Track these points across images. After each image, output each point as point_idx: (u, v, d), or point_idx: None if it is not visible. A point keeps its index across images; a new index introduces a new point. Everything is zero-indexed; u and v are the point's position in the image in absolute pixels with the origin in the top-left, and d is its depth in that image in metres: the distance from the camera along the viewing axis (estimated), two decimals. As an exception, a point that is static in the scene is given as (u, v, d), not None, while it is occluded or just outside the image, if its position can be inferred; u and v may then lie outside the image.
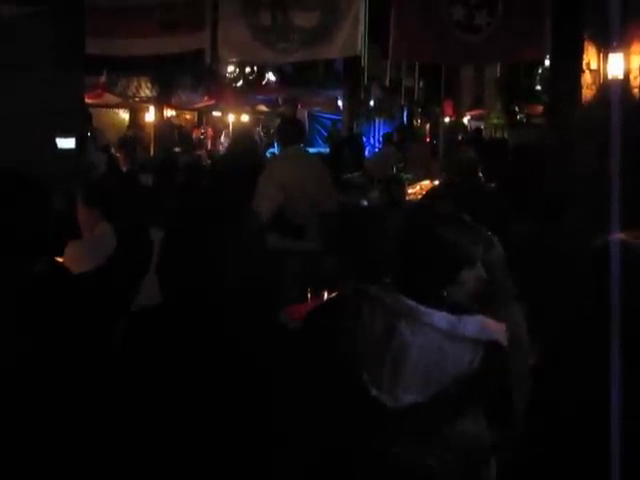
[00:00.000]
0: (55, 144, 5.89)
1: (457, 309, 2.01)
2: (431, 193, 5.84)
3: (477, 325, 2.00)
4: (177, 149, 14.67)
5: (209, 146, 17.21)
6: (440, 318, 1.98)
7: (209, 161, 12.80)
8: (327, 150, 12.67)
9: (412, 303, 1.97)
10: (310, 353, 2.04)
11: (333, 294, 3.15)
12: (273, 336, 1.94)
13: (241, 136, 11.36)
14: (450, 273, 2.05)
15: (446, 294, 2.04)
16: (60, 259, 3.52)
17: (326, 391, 1.99)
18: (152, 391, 1.82)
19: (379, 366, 1.96)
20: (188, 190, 5.96)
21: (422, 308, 1.97)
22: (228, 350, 1.82)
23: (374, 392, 1.95)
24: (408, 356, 1.95)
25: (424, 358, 1.95)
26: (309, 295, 3.61)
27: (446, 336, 1.96)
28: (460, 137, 14.83)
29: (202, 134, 18.55)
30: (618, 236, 2.04)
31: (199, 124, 19.83)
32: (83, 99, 7.33)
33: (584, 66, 5.93)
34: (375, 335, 1.98)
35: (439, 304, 2.00)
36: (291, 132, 5.72)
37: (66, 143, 6.01)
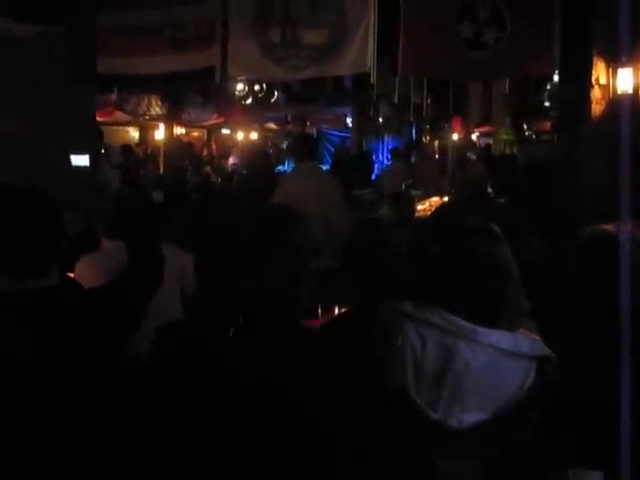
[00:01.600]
0: (70, 162, 5.92)
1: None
2: (441, 209, 5.85)
3: (530, 340, 1.98)
4: (187, 166, 14.72)
5: (216, 164, 17.26)
6: (500, 338, 1.95)
7: (219, 179, 12.84)
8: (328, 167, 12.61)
9: (469, 324, 1.94)
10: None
11: (343, 310, 3.15)
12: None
13: (255, 154, 11.39)
14: (505, 291, 2.01)
15: (500, 312, 2.00)
16: (71, 274, 3.54)
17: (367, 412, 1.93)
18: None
19: (435, 388, 1.93)
20: (201, 207, 6.01)
21: (480, 329, 1.94)
22: None
23: (434, 416, 1.91)
24: (469, 377, 1.92)
25: (485, 378, 1.92)
26: (319, 311, 3.60)
27: (505, 355, 1.94)
28: (469, 154, 14.86)
29: (207, 152, 18.57)
30: (603, 227, 2.02)
31: (208, 142, 19.87)
32: (95, 117, 7.38)
33: (593, 81, 5.93)
34: (428, 357, 1.94)
35: (493, 323, 1.97)
36: (304, 149, 5.74)
37: (80, 160, 6.04)
